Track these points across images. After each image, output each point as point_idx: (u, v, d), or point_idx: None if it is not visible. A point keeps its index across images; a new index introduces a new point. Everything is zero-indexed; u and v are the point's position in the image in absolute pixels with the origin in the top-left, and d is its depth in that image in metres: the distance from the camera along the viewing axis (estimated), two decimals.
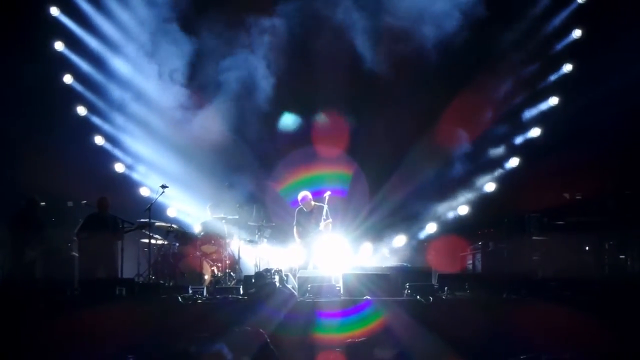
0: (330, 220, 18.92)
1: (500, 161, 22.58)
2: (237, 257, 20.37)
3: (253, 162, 22.37)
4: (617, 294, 15.94)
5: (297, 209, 19.52)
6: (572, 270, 18.28)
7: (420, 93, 21.87)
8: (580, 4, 22.19)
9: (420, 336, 14.62)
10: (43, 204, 19.95)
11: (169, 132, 22.44)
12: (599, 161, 20.67)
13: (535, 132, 22.44)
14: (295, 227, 19.43)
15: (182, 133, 22.34)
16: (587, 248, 19.25)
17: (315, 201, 19.35)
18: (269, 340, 13.00)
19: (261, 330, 13.34)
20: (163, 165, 22.31)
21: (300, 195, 19.44)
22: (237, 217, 20.43)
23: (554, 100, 22.33)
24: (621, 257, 19.21)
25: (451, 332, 14.71)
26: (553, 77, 22.40)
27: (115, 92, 22.54)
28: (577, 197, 20.40)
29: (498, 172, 22.50)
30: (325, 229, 18.99)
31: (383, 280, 17.13)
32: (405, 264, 19.24)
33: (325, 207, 18.84)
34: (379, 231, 22.41)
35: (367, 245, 22.00)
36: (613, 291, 16.11)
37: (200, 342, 12.89)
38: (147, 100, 22.49)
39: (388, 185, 22.22)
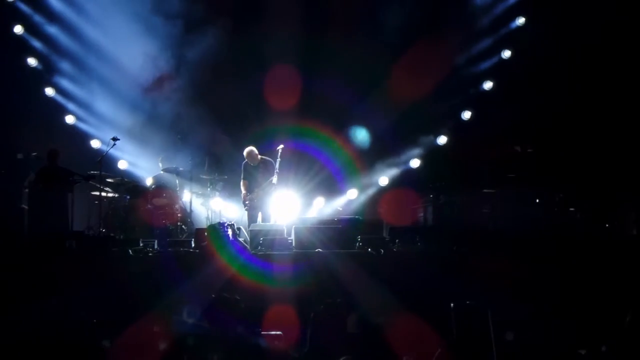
0: (274, 174, 18.71)
1: (452, 114, 22.58)
2: (188, 210, 20.33)
3: (206, 115, 22.18)
4: (565, 246, 16.15)
5: (243, 163, 19.32)
6: (523, 223, 18.46)
7: (374, 46, 21.82)
8: None
9: (369, 287, 14.73)
10: None
11: (122, 85, 22.23)
12: (551, 114, 20.89)
13: (487, 85, 22.43)
14: (242, 181, 19.26)
15: (135, 86, 22.17)
16: (537, 201, 19.42)
17: (265, 155, 19.21)
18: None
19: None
20: (114, 117, 22.07)
21: (245, 151, 19.24)
22: (189, 170, 20.38)
23: (507, 54, 22.31)
24: (571, 209, 19.44)
25: (400, 284, 14.83)
26: (505, 31, 22.37)
27: (67, 43, 22.22)
28: (529, 150, 20.55)
29: (450, 125, 22.55)
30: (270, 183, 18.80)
31: (335, 233, 17.22)
32: (357, 216, 19.26)
33: (278, 160, 18.66)
34: (331, 185, 22.44)
35: (320, 199, 22.03)
36: (562, 243, 16.32)
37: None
38: (101, 53, 22.21)
39: (341, 138, 22.22)
